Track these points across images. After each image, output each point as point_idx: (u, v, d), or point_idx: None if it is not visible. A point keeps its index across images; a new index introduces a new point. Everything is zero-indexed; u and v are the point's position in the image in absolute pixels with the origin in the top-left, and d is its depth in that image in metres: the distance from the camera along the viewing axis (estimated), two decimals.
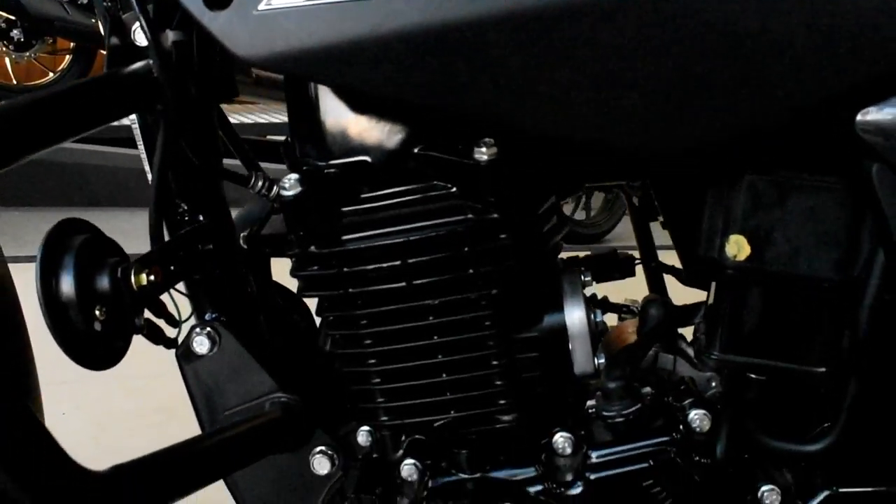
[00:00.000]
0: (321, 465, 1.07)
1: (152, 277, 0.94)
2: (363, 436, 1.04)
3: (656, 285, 1.18)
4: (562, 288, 0.97)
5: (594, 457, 0.91)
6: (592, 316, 0.96)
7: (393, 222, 0.90)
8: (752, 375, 0.92)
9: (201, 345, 1.05)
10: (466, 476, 0.92)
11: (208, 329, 1.05)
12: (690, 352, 1.01)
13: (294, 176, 0.89)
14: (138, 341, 0.97)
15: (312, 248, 0.92)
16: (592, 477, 0.90)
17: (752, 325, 0.88)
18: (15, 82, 4.54)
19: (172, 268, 0.98)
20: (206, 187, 1.04)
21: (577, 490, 0.91)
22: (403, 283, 0.90)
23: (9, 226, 3.47)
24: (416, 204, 0.90)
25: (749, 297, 0.88)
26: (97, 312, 0.91)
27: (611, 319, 1.13)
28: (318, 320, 1.22)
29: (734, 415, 0.92)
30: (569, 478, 0.91)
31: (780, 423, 0.94)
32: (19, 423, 0.68)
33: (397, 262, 0.90)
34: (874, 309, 0.85)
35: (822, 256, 0.85)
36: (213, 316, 1.06)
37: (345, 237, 0.91)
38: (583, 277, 0.98)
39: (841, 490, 0.91)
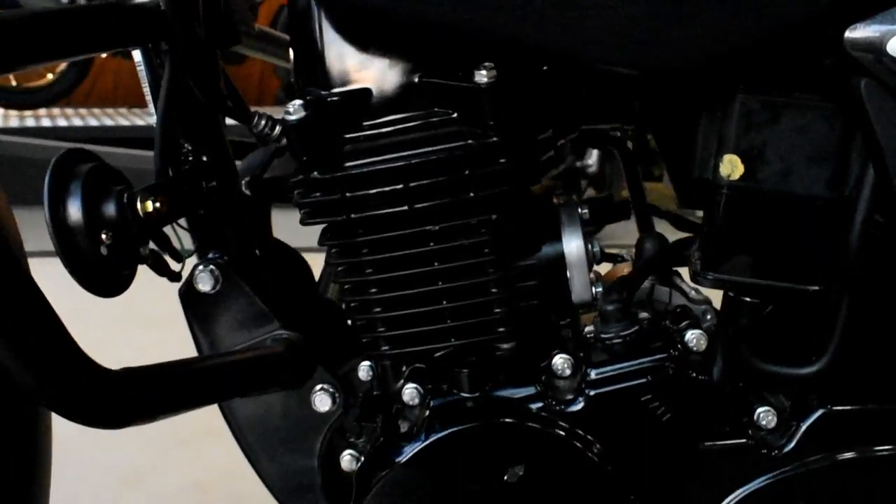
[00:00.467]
0: (322, 402, 1.08)
1: (157, 205, 0.96)
2: (364, 370, 1.05)
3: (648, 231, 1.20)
4: (559, 219, 0.99)
5: (593, 374, 0.92)
6: (590, 246, 0.98)
7: (395, 148, 0.92)
8: (747, 299, 0.94)
9: (204, 282, 1.06)
10: (467, 395, 0.93)
11: (211, 267, 1.06)
12: (686, 287, 1.03)
13: (298, 101, 0.92)
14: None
15: (315, 174, 0.94)
16: (592, 393, 0.92)
17: (747, 245, 0.90)
18: (15, 84, 4.55)
19: (177, 201, 1.00)
20: (209, 126, 1.06)
21: (577, 406, 0.92)
22: (405, 207, 0.92)
23: None
24: (417, 130, 0.92)
25: (743, 217, 0.89)
26: (103, 236, 0.93)
27: (605, 270, 1.16)
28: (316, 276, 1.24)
29: (729, 340, 0.94)
30: (569, 396, 0.93)
31: (774, 348, 0.95)
32: (30, 305, 0.69)
33: (399, 186, 0.91)
34: (865, 227, 0.87)
35: (814, 174, 0.87)
36: (216, 255, 1.08)
37: (347, 163, 0.93)
38: (580, 210, 1.00)
39: (836, 408, 0.92)
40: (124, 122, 4.42)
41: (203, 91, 1.03)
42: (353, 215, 0.94)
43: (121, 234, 0.94)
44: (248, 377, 0.98)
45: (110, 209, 0.94)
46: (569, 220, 0.99)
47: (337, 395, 1.08)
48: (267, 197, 1.15)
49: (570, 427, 0.90)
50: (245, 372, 0.97)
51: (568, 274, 0.97)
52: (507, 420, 0.90)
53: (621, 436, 0.92)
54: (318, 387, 1.08)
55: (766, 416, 0.93)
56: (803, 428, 0.92)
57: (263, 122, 1.07)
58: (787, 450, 0.93)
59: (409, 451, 0.90)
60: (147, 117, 4.45)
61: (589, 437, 0.90)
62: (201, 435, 2.40)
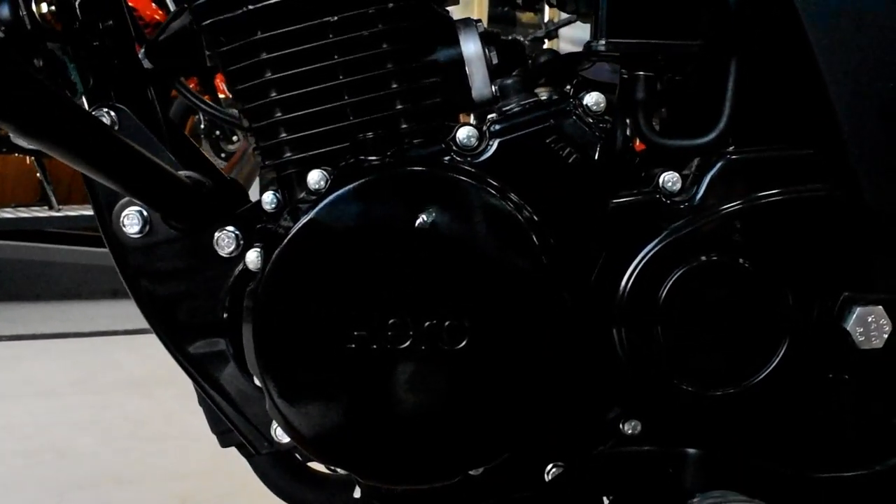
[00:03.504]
0: (226, 243, 1.04)
1: (53, 8, 0.96)
2: (268, 198, 1.03)
3: None
4: (456, 26, 1.02)
5: (497, 126, 0.93)
6: (487, 51, 1.01)
7: None
8: (641, 73, 0.96)
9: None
10: (373, 157, 0.92)
11: (106, 109, 1.04)
12: None
13: None
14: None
15: None
16: (497, 142, 0.92)
17: (632, 7, 0.93)
18: None
19: (71, 21, 1.00)
20: None
21: (485, 155, 0.92)
22: None
23: None
24: None
25: None
26: None
27: None
28: None
29: (627, 117, 0.96)
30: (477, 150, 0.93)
31: (671, 122, 0.98)
32: None
33: None
34: None
35: None
36: (114, 103, 1.06)
37: None
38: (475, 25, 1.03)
39: (734, 156, 0.94)
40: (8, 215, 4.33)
41: None
42: (249, 6, 0.94)
43: (13, 29, 0.94)
44: (142, 177, 0.93)
45: (4, 7, 0.94)
46: (465, 27, 1.02)
47: (240, 237, 1.05)
48: (167, 62, 1.15)
49: (479, 173, 0.89)
50: (141, 169, 0.93)
51: (468, 71, 0.99)
52: (414, 168, 0.89)
53: (530, 181, 0.91)
54: (221, 228, 1.05)
55: (670, 179, 0.94)
56: (707, 179, 0.93)
57: None
58: (695, 202, 0.93)
59: (313, 209, 0.87)
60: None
61: (498, 182, 0.89)
62: (106, 480, 2.27)
